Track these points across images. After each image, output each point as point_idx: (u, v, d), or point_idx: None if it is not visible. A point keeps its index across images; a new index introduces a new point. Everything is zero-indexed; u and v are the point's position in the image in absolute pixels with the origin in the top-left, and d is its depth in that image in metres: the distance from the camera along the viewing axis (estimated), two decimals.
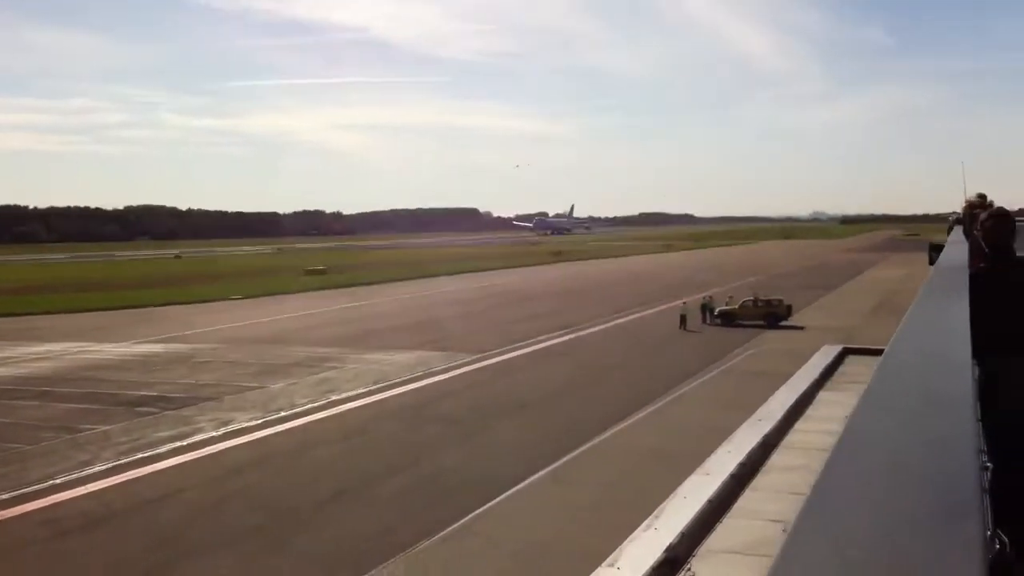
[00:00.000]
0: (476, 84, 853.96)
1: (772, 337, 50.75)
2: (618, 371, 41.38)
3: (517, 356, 45.92)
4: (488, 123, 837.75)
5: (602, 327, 57.44)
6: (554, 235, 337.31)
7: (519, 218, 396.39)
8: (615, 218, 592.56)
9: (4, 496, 22.89)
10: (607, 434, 28.04)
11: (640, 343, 50.45)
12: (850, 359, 22.87)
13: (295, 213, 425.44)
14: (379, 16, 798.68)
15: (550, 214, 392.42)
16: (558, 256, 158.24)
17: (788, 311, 57.05)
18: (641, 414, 30.88)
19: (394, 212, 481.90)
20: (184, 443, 28.21)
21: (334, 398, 35.32)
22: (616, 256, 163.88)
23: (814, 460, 13.79)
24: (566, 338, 52.33)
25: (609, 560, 11.91)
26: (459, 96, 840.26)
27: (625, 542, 12.18)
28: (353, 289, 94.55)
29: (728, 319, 56.91)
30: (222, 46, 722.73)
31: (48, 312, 73.75)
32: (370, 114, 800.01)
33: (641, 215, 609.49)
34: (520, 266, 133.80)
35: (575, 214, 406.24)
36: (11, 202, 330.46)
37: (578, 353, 47.01)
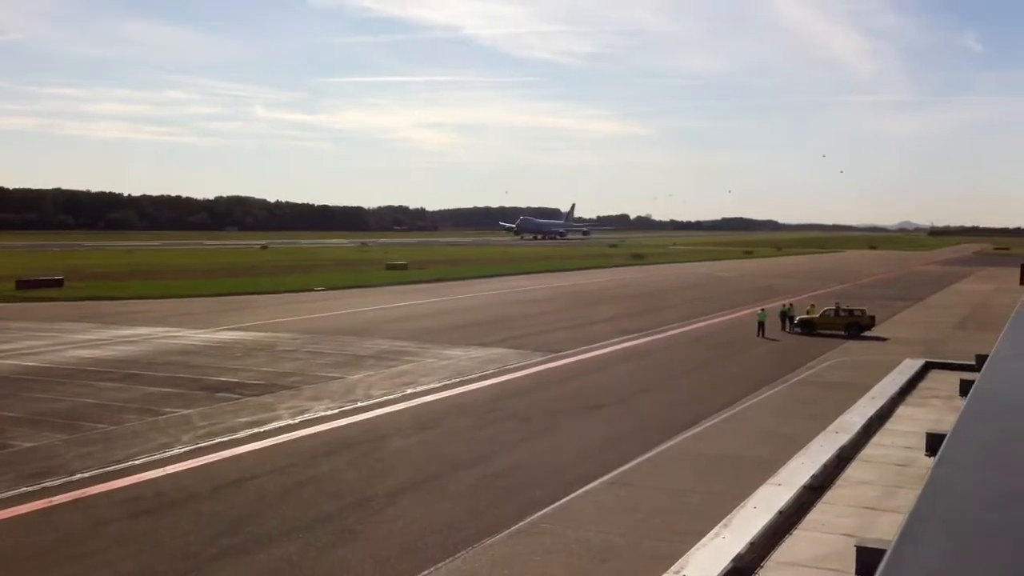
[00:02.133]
0: (562, 85, 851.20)
1: (853, 348, 49.81)
2: (692, 376, 41.03)
3: (591, 357, 45.81)
4: (573, 124, 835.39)
5: (678, 331, 57.00)
6: (545, 239, 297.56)
7: (510, 220, 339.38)
8: (697, 223, 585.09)
9: (88, 474, 23.56)
10: (678, 438, 27.84)
11: (716, 349, 49.94)
12: (933, 373, 22.39)
13: (380, 208, 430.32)
14: (471, 15, 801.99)
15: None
16: (638, 259, 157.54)
17: (871, 321, 55.86)
18: (713, 420, 30.59)
19: (476, 209, 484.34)
20: (261, 430, 28.73)
21: (410, 391, 35.64)
22: (696, 261, 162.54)
23: (891, 475, 13.49)
24: (641, 341, 52.05)
25: (676, 567, 11.80)
26: (545, 97, 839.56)
27: (692, 549, 12.09)
28: (433, 285, 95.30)
29: (808, 328, 55.94)
30: (315, 42, 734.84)
31: (137, 297, 75.77)
32: (457, 113, 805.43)
33: (724, 220, 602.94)
34: (598, 267, 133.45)
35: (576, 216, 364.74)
36: (106, 189, 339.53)
37: (653, 357, 46.73)
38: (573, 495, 21.76)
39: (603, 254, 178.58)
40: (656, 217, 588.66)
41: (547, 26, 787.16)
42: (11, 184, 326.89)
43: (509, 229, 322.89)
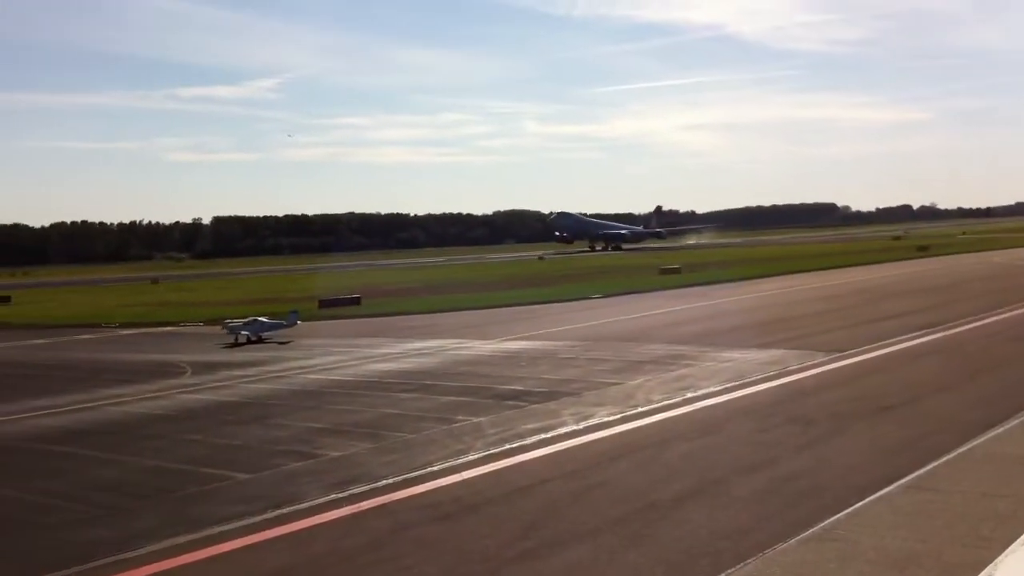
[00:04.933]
0: (828, 75, 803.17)
1: None
2: (992, 373, 38.33)
3: (878, 356, 43.82)
4: (841, 115, 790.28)
5: (974, 326, 53.40)
6: (606, 249, 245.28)
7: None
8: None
9: (391, 480, 25.15)
10: (980, 440, 26.15)
11: (1019, 343, 46.39)
12: None
13: (649, 213, 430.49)
14: (732, 12, 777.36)
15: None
16: (923, 251, 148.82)
17: None
18: (1020, 419, 28.51)
19: (747, 209, 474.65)
20: (548, 435, 29.63)
21: (690, 395, 35.59)
22: (989, 250, 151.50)
23: None
24: (932, 337, 49.17)
25: (984, 573, 11.28)
26: (811, 89, 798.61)
27: (1001, 556, 11.55)
28: (707, 288, 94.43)
29: None
30: (581, 55, 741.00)
31: (428, 311, 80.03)
32: (721, 112, 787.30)
33: (1018, 204, 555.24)
34: (880, 262, 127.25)
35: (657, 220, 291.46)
36: (394, 211, 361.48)
37: (946, 354, 44.07)
38: (867, 500, 20.99)
39: (885, 248, 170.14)
40: (941, 205, 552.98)
41: (811, 16, 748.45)
42: (310, 211, 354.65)
43: (563, 239, 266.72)
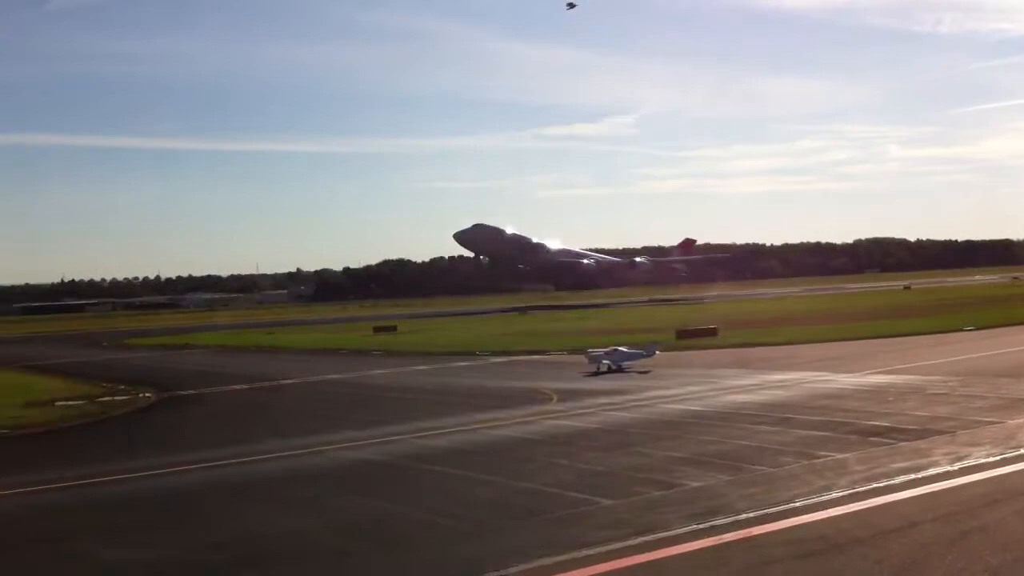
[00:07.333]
0: None
1: None
2: None
3: None
4: None
5: None
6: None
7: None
8: None
9: (752, 514, 25.04)
10: None
11: None
12: None
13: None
14: None
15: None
16: None
17: None
18: None
19: None
20: (918, 476, 28.23)
21: None
22: None
23: None
24: None
25: None
26: None
27: None
28: None
29: None
30: (947, 74, 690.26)
31: (785, 343, 78.58)
32: None
33: None
34: None
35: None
36: (752, 240, 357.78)
37: None
38: None
39: None
40: None
41: None
42: (666, 242, 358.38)
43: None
